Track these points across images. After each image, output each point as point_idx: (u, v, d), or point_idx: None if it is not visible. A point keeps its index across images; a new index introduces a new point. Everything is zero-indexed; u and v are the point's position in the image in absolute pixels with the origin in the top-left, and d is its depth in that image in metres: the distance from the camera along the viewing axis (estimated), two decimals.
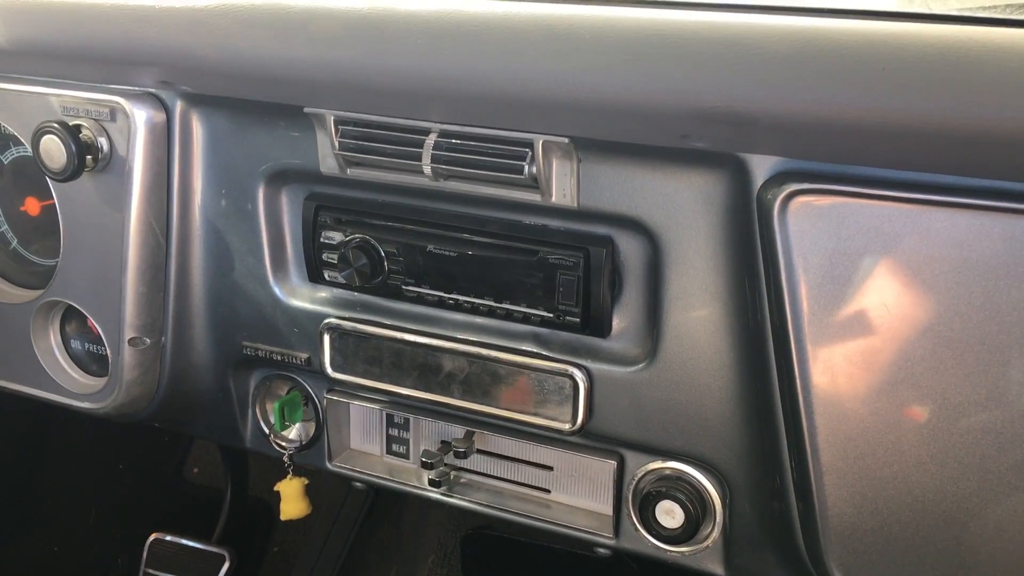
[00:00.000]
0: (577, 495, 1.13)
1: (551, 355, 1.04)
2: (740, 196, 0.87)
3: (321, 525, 1.89)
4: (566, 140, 0.92)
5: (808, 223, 0.82)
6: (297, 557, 1.90)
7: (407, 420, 1.19)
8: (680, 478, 1.03)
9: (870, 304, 0.82)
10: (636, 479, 1.06)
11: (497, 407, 1.08)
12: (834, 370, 0.85)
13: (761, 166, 0.85)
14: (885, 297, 0.81)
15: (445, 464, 1.16)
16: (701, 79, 0.77)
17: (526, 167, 0.94)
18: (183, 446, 2.03)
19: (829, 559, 0.91)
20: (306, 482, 1.31)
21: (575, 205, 0.96)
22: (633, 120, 0.84)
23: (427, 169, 0.98)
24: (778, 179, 0.83)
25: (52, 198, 1.18)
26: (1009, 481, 0.82)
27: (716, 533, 1.03)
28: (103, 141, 1.10)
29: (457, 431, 1.15)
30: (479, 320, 1.07)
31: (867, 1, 0.87)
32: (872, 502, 0.87)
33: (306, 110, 1.01)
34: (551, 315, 1.01)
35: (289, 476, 1.29)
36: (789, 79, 0.75)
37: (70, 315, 1.27)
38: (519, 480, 1.16)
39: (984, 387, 0.80)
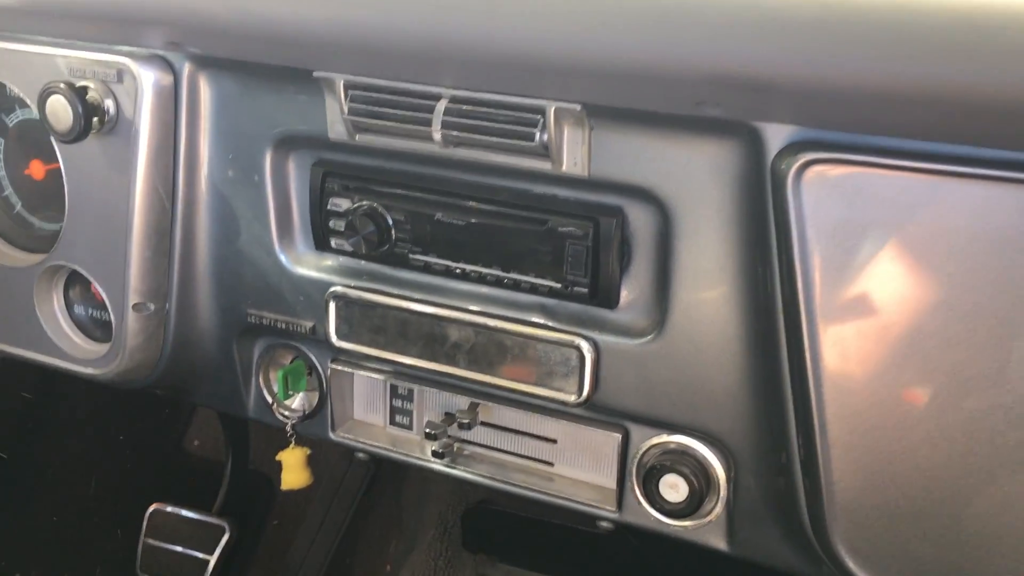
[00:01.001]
0: (581, 468, 1.13)
1: (558, 326, 1.03)
2: (754, 166, 0.86)
3: (321, 498, 1.89)
4: (578, 107, 0.91)
5: (823, 193, 0.81)
6: (297, 529, 1.90)
7: (411, 391, 1.19)
8: (685, 452, 1.03)
9: (883, 277, 0.81)
10: (640, 453, 1.06)
11: (502, 378, 1.07)
12: (844, 344, 0.84)
13: (776, 135, 0.84)
14: (898, 270, 0.81)
15: (449, 436, 1.15)
16: (719, 43, 0.76)
17: (537, 134, 0.93)
18: (184, 418, 2.03)
19: (834, 534, 0.91)
20: (308, 452, 1.31)
21: (586, 174, 0.95)
22: (647, 85, 0.83)
23: (437, 135, 0.97)
24: (793, 148, 0.82)
25: (57, 162, 1.17)
26: (1018, 457, 0.82)
27: (720, 508, 1.03)
28: (109, 103, 1.09)
29: (461, 402, 1.15)
30: (486, 290, 1.06)
31: None
32: (879, 477, 0.87)
33: (315, 74, 1.01)
34: (559, 285, 1.00)
35: (291, 446, 1.29)
36: (808, 44, 0.74)
37: (74, 280, 1.27)
38: (523, 453, 1.15)
39: (996, 362, 0.80)
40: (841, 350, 0.85)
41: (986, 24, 0.71)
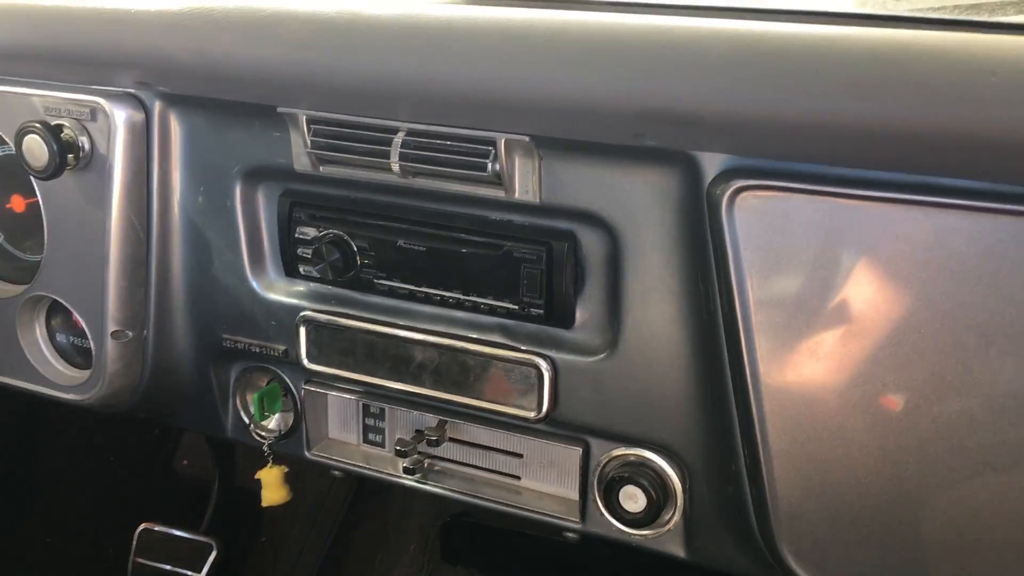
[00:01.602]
0: (546, 481, 1.17)
1: (517, 345, 1.07)
2: (692, 192, 0.91)
3: (307, 515, 1.92)
4: (527, 138, 0.95)
5: (754, 218, 0.85)
6: (284, 546, 1.94)
7: (382, 410, 1.23)
8: (643, 464, 1.07)
9: (813, 295, 0.86)
10: (601, 465, 1.10)
11: (467, 396, 1.11)
12: (781, 359, 0.89)
13: (711, 163, 0.88)
14: (827, 288, 0.85)
15: (419, 452, 1.19)
16: (649, 81, 0.81)
17: (489, 164, 0.97)
18: (173, 439, 2.07)
19: (780, 541, 0.95)
20: (286, 470, 1.35)
21: (537, 201, 0.99)
22: (588, 119, 0.88)
23: (395, 167, 1.01)
24: (726, 175, 0.87)
25: (36, 196, 1.21)
26: (948, 464, 0.86)
27: (677, 517, 1.07)
28: (84, 140, 1.14)
29: (430, 420, 1.19)
30: (448, 312, 1.11)
31: (812, 2, 0.91)
32: (818, 485, 0.91)
33: (279, 110, 1.05)
34: (516, 307, 1.05)
35: (269, 464, 1.33)
36: (731, 81, 0.78)
37: (55, 309, 1.30)
38: (490, 467, 1.19)
39: (921, 373, 0.84)
40: (778, 364, 0.89)
41: (898, 57, 0.75)
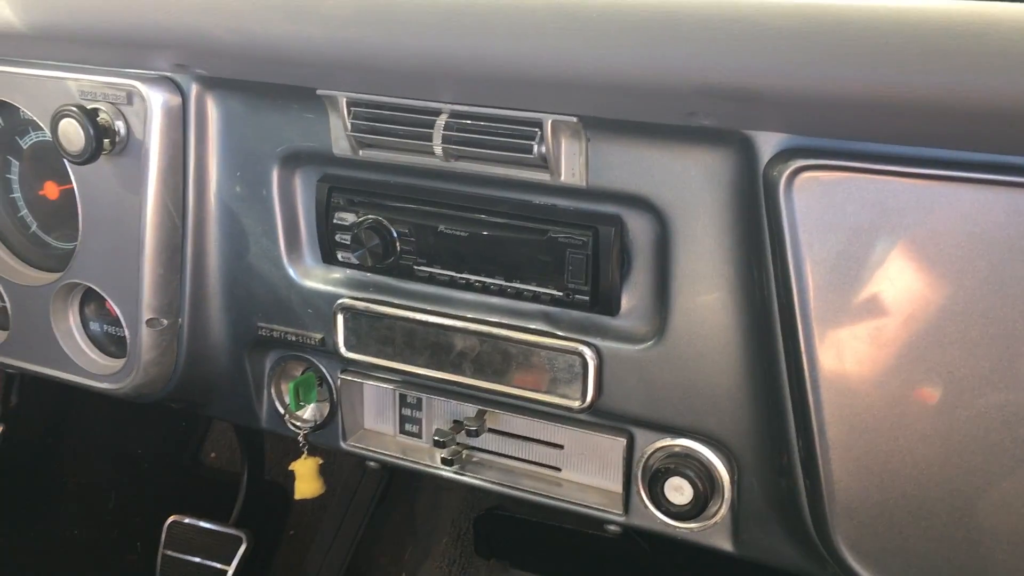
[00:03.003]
0: (587, 473, 1.14)
1: (561, 333, 1.05)
2: (747, 173, 0.88)
3: (336, 508, 1.91)
4: (575, 119, 0.93)
5: (814, 199, 0.83)
6: (313, 539, 1.93)
7: (420, 400, 1.21)
8: (689, 455, 1.04)
9: (875, 279, 0.83)
10: (645, 456, 1.07)
11: (508, 385, 1.09)
12: (840, 346, 0.86)
13: (767, 143, 0.85)
14: (890, 272, 0.82)
15: (457, 443, 1.17)
16: (707, 56, 0.78)
17: (535, 146, 0.95)
18: (200, 432, 2.06)
19: (836, 534, 0.92)
20: (320, 461, 1.33)
21: (584, 184, 0.97)
22: (640, 98, 0.85)
23: (438, 149, 0.99)
24: (784, 155, 0.84)
25: (70, 182, 1.20)
26: (1014, 454, 0.83)
27: (724, 509, 1.04)
28: (120, 124, 1.12)
29: (469, 410, 1.17)
30: (490, 299, 1.08)
31: None
32: (877, 476, 0.88)
33: (319, 92, 1.03)
34: (560, 294, 1.02)
35: (304, 455, 1.31)
36: (793, 55, 0.75)
37: (89, 297, 1.29)
38: (530, 459, 1.17)
39: (989, 361, 0.81)
40: (837, 352, 0.86)
41: (968, 29, 0.72)
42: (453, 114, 0.98)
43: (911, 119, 0.76)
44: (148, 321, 1.19)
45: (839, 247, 0.83)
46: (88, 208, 1.19)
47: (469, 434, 1.15)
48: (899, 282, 0.82)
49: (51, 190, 1.29)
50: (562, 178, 0.97)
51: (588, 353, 1.03)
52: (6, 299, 1.31)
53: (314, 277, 1.17)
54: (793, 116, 0.82)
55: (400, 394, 1.22)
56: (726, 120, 0.85)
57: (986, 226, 0.78)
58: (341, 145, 1.07)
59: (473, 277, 1.06)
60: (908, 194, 0.80)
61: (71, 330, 1.30)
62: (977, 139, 0.77)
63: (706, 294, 0.96)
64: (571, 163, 0.96)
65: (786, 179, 0.83)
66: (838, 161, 0.82)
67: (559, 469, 1.16)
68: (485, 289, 1.06)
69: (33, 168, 1.30)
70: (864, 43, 0.74)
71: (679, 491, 1.04)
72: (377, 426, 1.26)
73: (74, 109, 1.09)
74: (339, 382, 1.22)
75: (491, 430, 1.17)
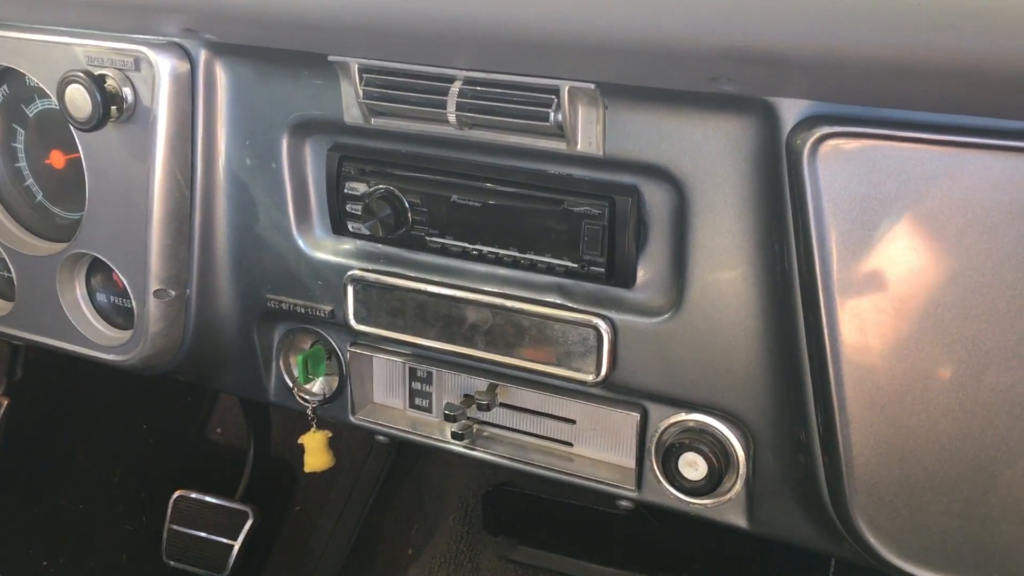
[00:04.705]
0: (600, 448, 1.13)
1: (575, 306, 1.03)
2: (769, 142, 0.86)
3: (343, 483, 1.90)
4: (592, 86, 0.91)
5: (838, 167, 0.81)
6: (319, 514, 1.92)
7: (430, 373, 1.19)
8: (703, 430, 1.03)
9: (900, 250, 0.81)
10: (659, 431, 1.06)
11: (520, 359, 1.07)
12: (862, 319, 0.84)
13: (791, 110, 0.83)
14: (916, 243, 0.80)
15: (468, 417, 1.16)
16: (731, 17, 0.76)
17: (552, 114, 0.93)
18: (206, 406, 2.05)
19: (854, 510, 0.91)
20: (330, 435, 1.32)
21: (601, 153, 0.95)
22: (661, 62, 0.83)
23: (452, 117, 0.97)
24: (808, 123, 0.82)
25: (76, 151, 1.18)
26: None
27: (739, 485, 1.03)
28: (128, 91, 1.10)
29: (480, 384, 1.15)
30: (503, 271, 1.07)
31: None
32: (898, 451, 0.86)
33: (330, 58, 1.01)
34: (575, 265, 1.01)
35: (313, 429, 1.30)
36: (822, 16, 0.73)
37: (95, 268, 1.28)
38: (542, 433, 1.16)
39: (1016, 334, 0.79)
40: (859, 325, 0.84)
41: None
42: (468, 81, 0.96)
43: (942, 84, 0.74)
44: (155, 292, 1.18)
45: (863, 217, 0.81)
46: (95, 177, 1.17)
47: (480, 408, 1.14)
48: (925, 253, 0.80)
49: (57, 159, 1.28)
50: (578, 147, 0.95)
51: (603, 326, 1.02)
52: (12, 269, 1.29)
53: (324, 248, 1.16)
54: (819, 81, 0.79)
55: (410, 367, 1.20)
56: (749, 86, 0.83)
57: (1017, 195, 0.76)
58: (352, 113, 1.05)
59: (486, 248, 1.04)
60: (936, 162, 0.78)
61: (77, 301, 1.29)
62: (1009, 106, 0.75)
63: (725, 267, 0.94)
64: (588, 131, 0.94)
65: (810, 147, 0.81)
66: (864, 128, 0.79)
67: (571, 444, 1.15)
68: (498, 260, 1.05)
69: (39, 137, 1.28)
70: (893, 4, 0.72)
71: (693, 466, 1.03)
72: (387, 400, 1.24)
73: (81, 75, 1.07)
74: (348, 355, 1.21)
75: (502, 404, 1.16)
